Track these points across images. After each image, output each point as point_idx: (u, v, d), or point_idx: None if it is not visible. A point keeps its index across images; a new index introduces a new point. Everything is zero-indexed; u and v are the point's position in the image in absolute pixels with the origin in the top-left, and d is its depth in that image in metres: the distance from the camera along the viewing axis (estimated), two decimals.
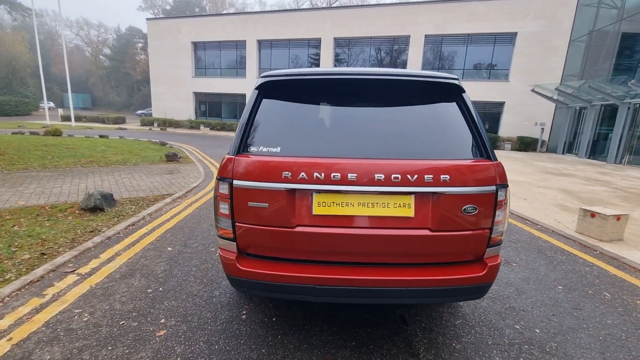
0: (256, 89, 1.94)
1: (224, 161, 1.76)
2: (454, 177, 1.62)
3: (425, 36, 22.60)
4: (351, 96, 1.93)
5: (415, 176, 1.60)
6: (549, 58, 20.44)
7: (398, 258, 1.72)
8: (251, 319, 2.32)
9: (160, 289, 2.68)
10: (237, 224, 1.73)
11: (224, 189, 1.74)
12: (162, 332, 2.14)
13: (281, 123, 1.87)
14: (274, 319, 2.33)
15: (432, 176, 1.61)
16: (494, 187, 1.67)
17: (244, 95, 27.40)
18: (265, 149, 1.73)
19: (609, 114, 15.67)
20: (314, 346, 2.07)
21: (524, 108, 21.08)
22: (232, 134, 23.54)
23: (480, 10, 21.26)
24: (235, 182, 1.69)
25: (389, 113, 1.91)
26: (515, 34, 21.06)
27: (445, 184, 1.62)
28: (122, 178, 6.79)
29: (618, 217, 4.06)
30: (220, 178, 1.74)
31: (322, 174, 1.61)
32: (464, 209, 1.65)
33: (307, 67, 26.12)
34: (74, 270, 2.92)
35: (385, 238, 1.66)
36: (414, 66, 23.09)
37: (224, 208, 1.76)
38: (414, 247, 1.68)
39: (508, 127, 21.63)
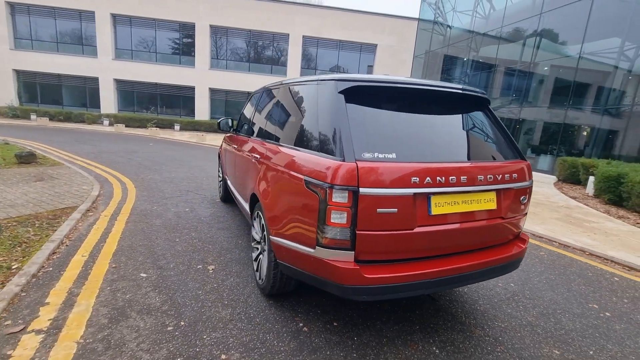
0: (340, 92, 1.89)
1: (339, 168, 1.66)
2: (518, 175, 2.07)
3: (303, 37, 23.81)
4: (424, 104, 2.12)
5: (500, 175, 1.96)
6: (400, 69, 24.86)
7: (483, 244, 2.05)
8: (315, 330, 2.23)
9: (182, 323, 2.21)
10: (359, 232, 1.69)
11: (343, 197, 1.66)
12: None
13: (377, 128, 1.90)
14: (335, 324, 2.31)
15: (509, 175, 2.00)
16: (531, 181, 2.21)
17: (95, 79, 22.43)
18: (381, 155, 1.74)
19: None
20: (391, 338, 2.20)
21: None
22: (85, 127, 19.01)
23: (349, 21, 23.89)
24: (362, 189, 1.64)
25: (451, 120, 2.20)
26: (376, 45, 24.69)
27: (514, 180, 2.04)
28: None
29: None
30: (339, 187, 1.65)
31: (443, 178, 1.77)
32: (522, 199, 2.13)
33: (174, 52, 23.47)
34: (25, 329, 2.05)
35: (478, 228, 1.96)
36: (294, 64, 24.02)
37: (339, 217, 1.68)
38: (494, 232, 2.06)
39: None
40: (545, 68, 14.14)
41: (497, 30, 16.44)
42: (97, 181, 6.15)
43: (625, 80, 10.87)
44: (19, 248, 3.11)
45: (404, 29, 24.33)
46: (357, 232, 1.69)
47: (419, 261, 1.86)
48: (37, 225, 3.72)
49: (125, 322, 2.18)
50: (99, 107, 22.74)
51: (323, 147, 1.87)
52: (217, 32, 23.42)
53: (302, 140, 2.12)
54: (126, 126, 20.07)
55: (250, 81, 23.65)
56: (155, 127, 20.11)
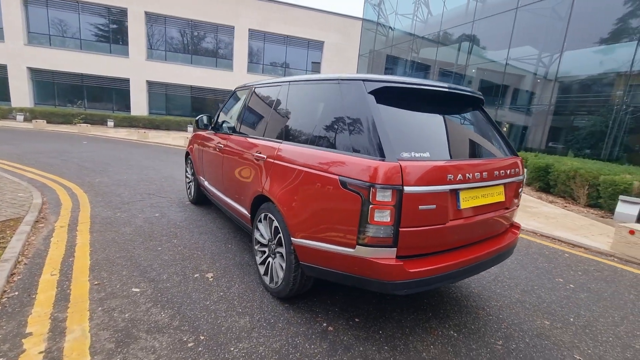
0: (370, 93, 1.93)
1: (382, 168, 1.69)
2: (518, 169, 2.31)
3: (249, 30, 23.08)
4: (444, 105, 2.25)
5: (508, 170, 2.18)
6: (346, 66, 25.51)
7: (493, 233, 2.26)
8: (340, 328, 2.25)
9: (202, 337, 2.06)
10: (402, 229, 1.75)
11: (386, 196, 1.70)
12: None
13: (408, 128, 1.96)
14: (356, 320, 2.36)
15: (512, 170, 2.23)
16: (525, 175, 2.49)
17: (3, 67, 19.13)
18: (417, 154, 1.81)
19: None
20: (412, 328, 2.31)
21: None
22: (4, 124, 16.12)
23: (296, 16, 23.77)
24: (407, 188, 1.69)
25: (464, 120, 2.38)
26: (323, 42, 24.97)
27: (515, 175, 2.28)
28: None
29: None
30: (382, 186, 1.69)
31: (470, 174, 1.90)
32: (519, 191, 2.38)
33: (101, 40, 21.09)
34: None
35: (491, 219, 2.15)
36: (240, 58, 23.20)
37: (383, 216, 1.72)
38: (501, 222, 2.27)
39: None
40: (474, 71, 15.72)
41: (435, 34, 17.76)
42: (34, 187, 5.31)
43: (542, 83, 12.60)
44: None
45: (350, 27, 24.98)
46: (400, 229, 1.75)
47: (447, 253, 1.99)
48: None
49: (137, 344, 1.97)
50: (9, 99, 19.46)
51: (356, 147, 1.88)
52: (154, 20, 21.54)
53: (327, 140, 2.10)
54: (47, 122, 17.50)
55: (192, 74, 22.27)
56: (84, 123, 17.89)
